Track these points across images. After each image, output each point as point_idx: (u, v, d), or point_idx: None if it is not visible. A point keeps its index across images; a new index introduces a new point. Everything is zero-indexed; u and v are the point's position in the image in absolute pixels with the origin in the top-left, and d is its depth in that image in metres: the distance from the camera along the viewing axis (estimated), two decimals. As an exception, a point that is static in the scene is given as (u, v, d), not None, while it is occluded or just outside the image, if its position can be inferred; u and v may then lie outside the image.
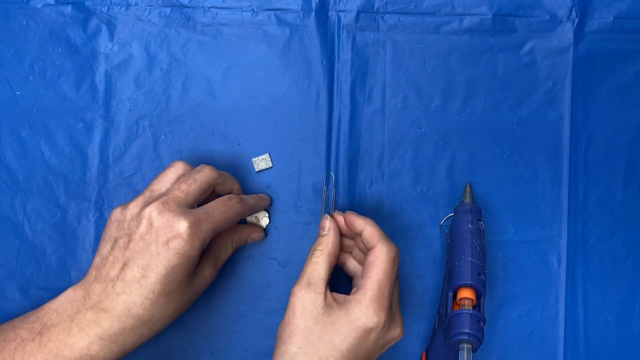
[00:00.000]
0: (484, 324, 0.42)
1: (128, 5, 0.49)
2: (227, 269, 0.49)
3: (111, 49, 0.49)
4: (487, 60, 0.50)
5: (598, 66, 0.50)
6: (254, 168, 0.49)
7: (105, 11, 0.49)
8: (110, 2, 0.49)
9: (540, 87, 0.50)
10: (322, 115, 0.49)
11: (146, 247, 0.38)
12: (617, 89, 0.50)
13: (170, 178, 0.42)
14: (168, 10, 0.49)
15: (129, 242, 0.39)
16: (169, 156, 0.49)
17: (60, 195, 0.49)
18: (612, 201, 0.50)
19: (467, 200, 0.48)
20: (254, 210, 0.47)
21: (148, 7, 0.49)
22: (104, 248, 0.40)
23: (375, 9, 0.49)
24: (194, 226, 0.39)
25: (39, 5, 0.49)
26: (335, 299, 0.41)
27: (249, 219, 0.49)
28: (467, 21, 0.50)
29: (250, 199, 0.45)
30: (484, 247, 0.45)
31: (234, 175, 0.47)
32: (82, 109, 0.49)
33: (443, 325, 0.44)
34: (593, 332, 0.49)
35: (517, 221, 0.50)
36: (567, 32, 0.50)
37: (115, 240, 0.40)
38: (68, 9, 0.49)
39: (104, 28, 0.49)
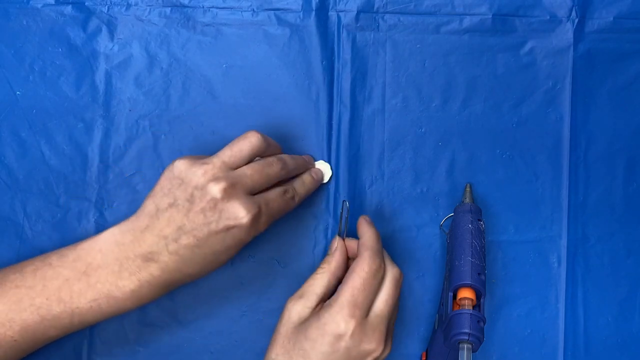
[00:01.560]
0: (484, 324, 0.42)
1: (128, 5, 0.49)
2: (227, 269, 0.49)
3: (111, 49, 0.49)
4: (487, 60, 0.50)
5: (598, 66, 0.50)
6: (254, 168, 0.49)
7: (106, 11, 0.49)
8: (111, 2, 0.49)
9: (540, 87, 0.50)
10: (322, 115, 0.49)
11: (206, 224, 0.39)
12: (617, 89, 0.50)
13: (245, 155, 0.41)
14: (168, 10, 0.49)
15: (189, 210, 0.39)
16: (169, 156, 0.49)
17: (60, 195, 0.49)
18: (612, 201, 0.50)
19: (467, 200, 0.48)
20: (306, 194, 0.46)
21: (148, 7, 0.49)
22: (162, 200, 0.40)
23: (375, 9, 0.49)
24: (254, 219, 0.39)
25: (39, 5, 0.49)
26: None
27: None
28: (467, 21, 0.50)
29: (302, 189, 0.45)
30: (484, 247, 0.45)
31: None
32: (82, 109, 0.49)
33: (443, 325, 0.44)
34: (593, 332, 0.49)
35: (517, 221, 0.50)
36: (567, 32, 0.50)
37: (175, 199, 0.39)
38: (68, 9, 0.49)
39: (104, 28, 0.49)
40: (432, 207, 0.50)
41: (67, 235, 0.48)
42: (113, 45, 0.49)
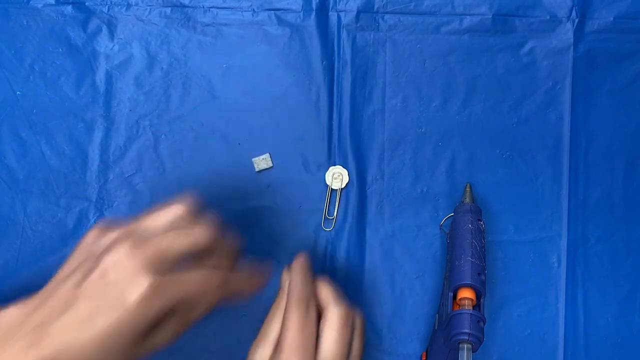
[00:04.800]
0: (484, 324, 0.42)
1: (128, 5, 0.49)
2: (227, 269, 0.49)
3: (112, 49, 0.49)
4: (487, 60, 0.50)
5: (598, 66, 0.50)
6: (254, 168, 0.49)
7: (106, 11, 0.49)
8: (111, 2, 0.49)
9: (540, 87, 0.50)
10: (322, 115, 0.49)
11: (102, 289, 0.34)
12: (617, 89, 0.50)
13: (162, 221, 0.37)
14: (168, 10, 0.49)
15: (89, 271, 0.35)
16: (169, 156, 0.49)
17: (61, 195, 0.49)
18: (612, 201, 0.50)
19: (467, 200, 0.48)
20: (237, 292, 0.40)
21: (148, 7, 0.49)
22: (69, 264, 0.37)
23: (375, 9, 0.49)
24: (153, 291, 0.34)
25: (40, 5, 0.49)
26: None
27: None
28: (467, 21, 0.50)
29: (234, 282, 0.40)
30: (484, 247, 0.45)
31: (234, 175, 0.47)
32: (82, 109, 0.49)
33: (443, 325, 0.44)
34: (593, 332, 0.49)
35: (517, 221, 0.50)
36: (567, 32, 0.50)
37: (80, 263, 0.36)
38: (68, 9, 0.49)
39: (105, 28, 0.49)
40: (432, 207, 0.50)
41: (67, 235, 0.48)
42: (113, 45, 0.49)
